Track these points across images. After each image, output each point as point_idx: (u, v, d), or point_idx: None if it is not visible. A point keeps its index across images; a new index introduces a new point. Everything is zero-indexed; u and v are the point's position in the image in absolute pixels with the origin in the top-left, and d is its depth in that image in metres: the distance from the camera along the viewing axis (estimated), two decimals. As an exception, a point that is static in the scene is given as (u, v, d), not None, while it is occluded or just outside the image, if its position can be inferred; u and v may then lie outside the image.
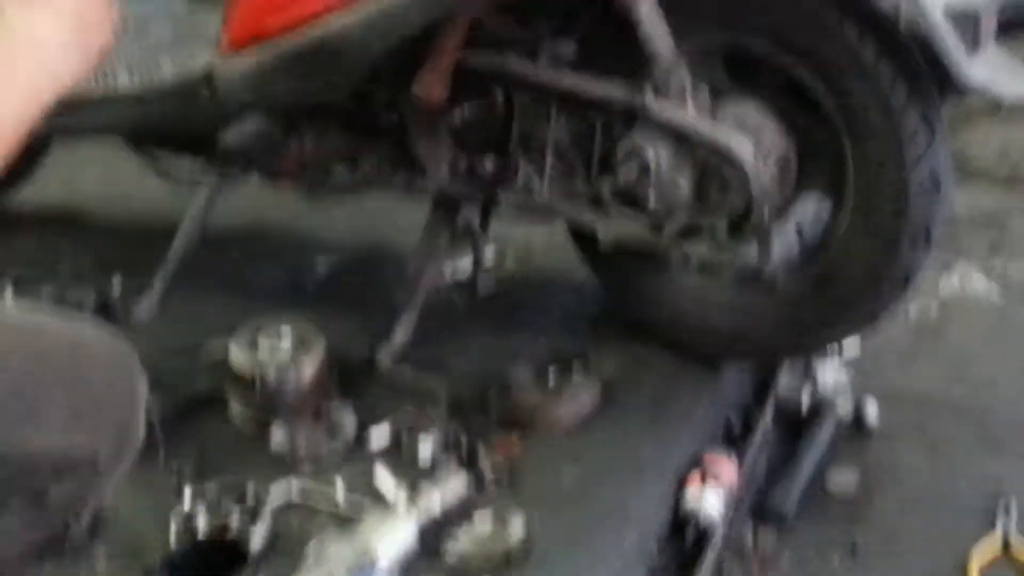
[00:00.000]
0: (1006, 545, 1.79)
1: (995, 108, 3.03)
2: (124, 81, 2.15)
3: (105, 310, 2.15)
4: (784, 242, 1.90)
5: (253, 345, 1.91)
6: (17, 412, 1.41)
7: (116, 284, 2.32)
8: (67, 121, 2.16)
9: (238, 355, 1.90)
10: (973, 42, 1.65)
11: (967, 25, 1.65)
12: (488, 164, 1.99)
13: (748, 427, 2.04)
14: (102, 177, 2.92)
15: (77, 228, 2.72)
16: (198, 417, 1.93)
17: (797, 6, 1.73)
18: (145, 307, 2.12)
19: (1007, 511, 1.83)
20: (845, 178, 1.80)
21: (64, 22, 1.26)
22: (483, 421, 1.88)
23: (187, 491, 1.75)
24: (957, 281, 2.42)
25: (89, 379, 1.50)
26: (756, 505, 1.92)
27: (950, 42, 1.63)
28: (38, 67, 1.25)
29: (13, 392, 1.41)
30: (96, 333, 1.55)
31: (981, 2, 1.68)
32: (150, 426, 1.67)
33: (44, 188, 2.79)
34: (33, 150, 2.65)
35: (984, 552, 1.77)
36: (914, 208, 1.75)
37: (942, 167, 1.76)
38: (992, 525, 1.81)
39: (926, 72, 1.70)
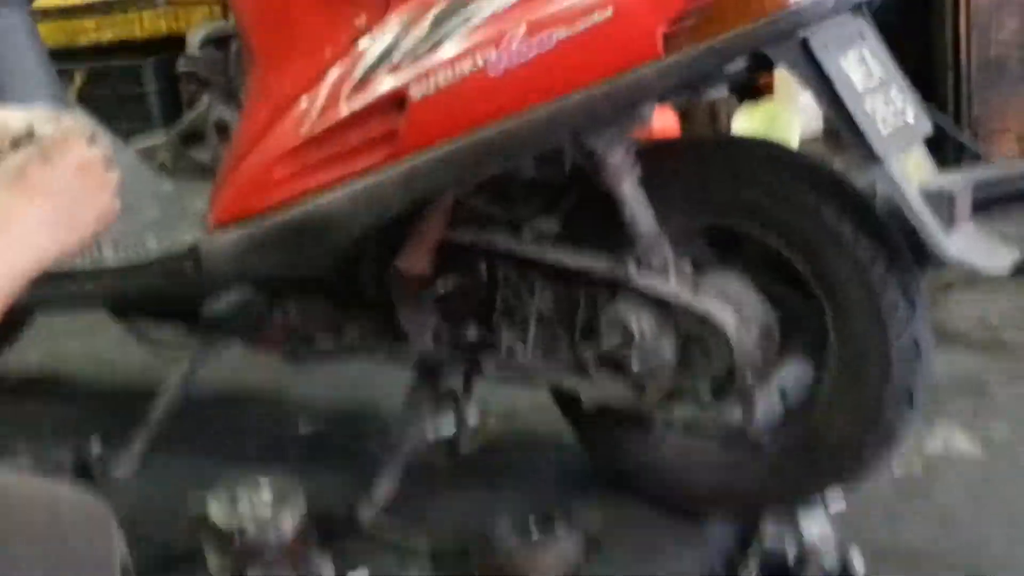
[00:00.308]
0: None
1: (973, 279, 3.08)
2: (110, 256, 2.16)
3: (83, 470, 2.13)
4: (767, 404, 1.89)
5: (233, 500, 1.88)
6: None
7: (95, 445, 2.29)
8: (51, 292, 2.18)
9: (217, 509, 1.87)
10: (949, 219, 1.68)
11: (943, 203, 1.67)
12: (471, 333, 1.99)
13: (734, 579, 2.02)
14: (84, 344, 2.93)
15: (58, 394, 2.72)
16: (177, 573, 1.91)
17: (775, 188, 1.76)
18: (125, 466, 2.11)
19: None
20: (827, 345, 1.80)
21: (40, 196, 1.29)
22: None
23: None
24: (941, 443, 2.43)
25: (66, 540, 1.47)
26: None
27: (926, 219, 1.66)
28: (19, 244, 1.28)
29: None
30: (73, 494, 1.53)
31: (956, 182, 1.71)
32: None
33: (26, 355, 2.80)
34: (15, 318, 2.64)
35: None
36: (897, 374, 1.76)
37: (923, 335, 1.78)
38: None
39: (904, 247, 1.73)
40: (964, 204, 1.70)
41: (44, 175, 1.32)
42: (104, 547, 1.53)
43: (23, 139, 1.44)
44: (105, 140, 1.48)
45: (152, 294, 2.13)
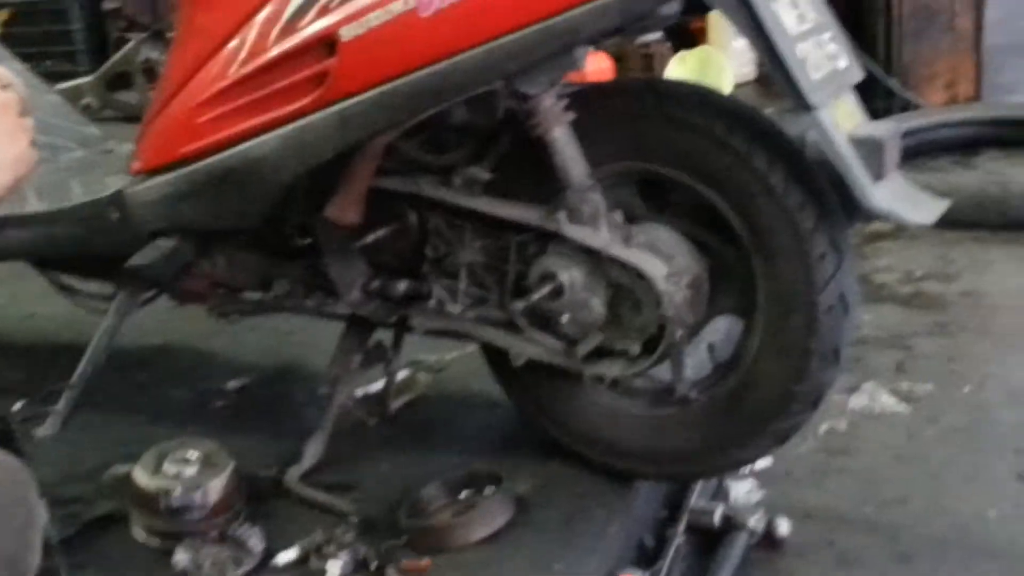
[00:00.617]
0: None
1: (899, 231, 3.12)
2: (32, 202, 2.13)
3: (5, 435, 2.08)
4: (696, 361, 1.92)
5: (158, 461, 1.88)
6: None
7: (18, 407, 2.28)
8: (-32, 241, 2.14)
9: (142, 476, 1.86)
10: (878, 169, 1.68)
11: (872, 152, 1.68)
12: (401, 286, 1.98)
13: (662, 543, 2.02)
14: (5, 296, 2.90)
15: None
16: (100, 539, 1.88)
17: (707, 135, 1.76)
18: (48, 426, 2.06)
19: None
20: (756, 299, 1.81)
21: None
22: (394, 541, 1.83)
23: None
24: (866, 399, 2.47)
25: None
26: None
27: (856, 169, 1.66)
28: None
29: None
30: None
31: (885, 131, 1.72)
32: (49, 548, 1.63)
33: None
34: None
35: None
36: (823, 329, 1.76)
37: (850, 289, 1.78)
38: None
39: (833, 197, 1.74)
40: (893, 153, 1.71)
41: None
42: (25, 513, 1.49)
43: None
44: (20, 84, 1.44)
45: (77, 244, 2.10)
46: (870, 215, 1.71)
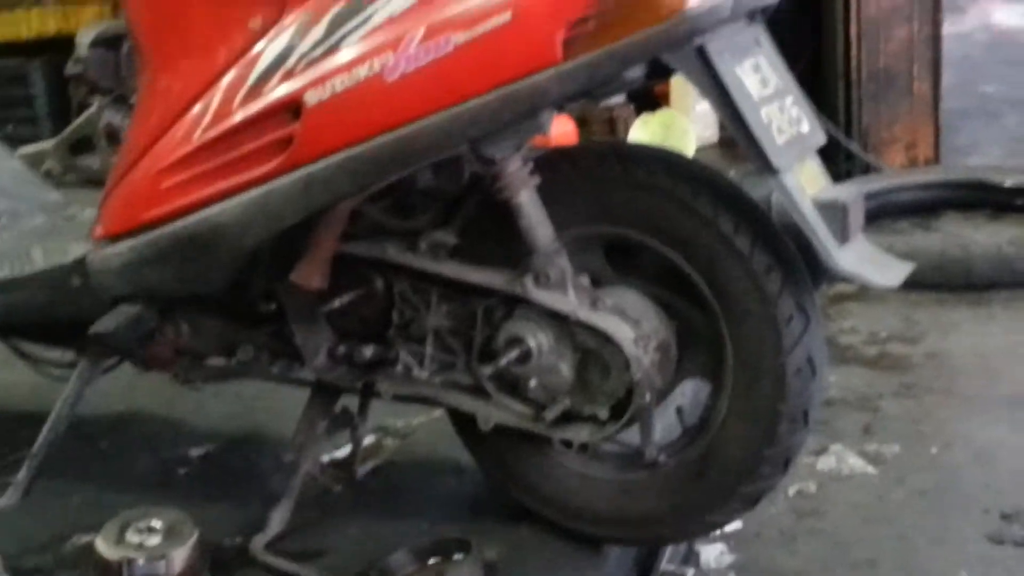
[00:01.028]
0: None
1: (863, 293, 3.14)
2: (-7, 270, 2.12)
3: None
4: (665, 424, 1.92)
5: (121, 531, 1.83)
6: None
7: None
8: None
9: (104, 546, 1.81)
10: (843, 232, 1.69)
11: (837, 216, 1.68)
12: (367, 351, 1.96)
13: (633, 609, 2.01)
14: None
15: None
16: None
17: (673, 199, 1.76)
18: (9, 496, 2.03)
19: None
20: (724, 362, 1.80)
21: None
22: None
23: None
24: (834, 461, 2.47)
25: None
26: None
27: (821, 232, 1.67)
28: None
29: None
30: None
31: (848, 194, 1.72)
32: None
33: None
34: None
35: None
36: (792, 391, 1.76)
37: (817, 351, 1.78)
38: None
39: (799, 260, 1.74)
40: (857, 216, 1.71)
41: None
42: None
43: None
44: None
45: (37, 310, 2.09)
46: (836, 278, 1.71)
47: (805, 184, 1.70)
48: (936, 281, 3.13)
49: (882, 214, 3.51)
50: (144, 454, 2.40)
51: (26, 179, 2.46)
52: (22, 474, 2.03)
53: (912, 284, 1.88)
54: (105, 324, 1.94)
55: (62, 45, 4.32)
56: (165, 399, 2.56)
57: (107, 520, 1.85)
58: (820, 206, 1.68)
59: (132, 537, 1.82)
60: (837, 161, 3.67)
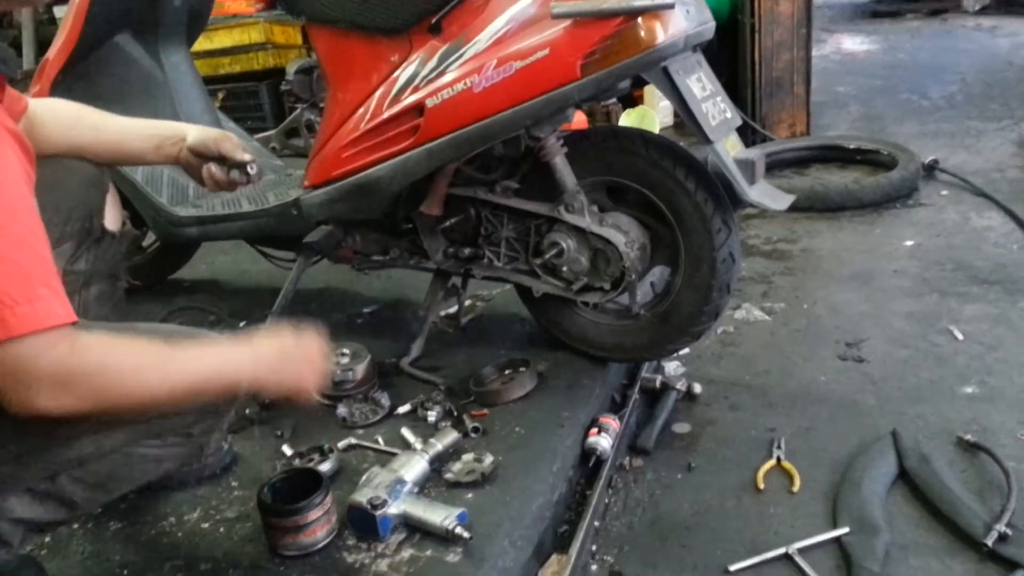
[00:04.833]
0: (778, 462, 1.80)
1: (763, 214, 3.10)
2: (245, 206, 2.15)
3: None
4: (644, 292, 1.91)
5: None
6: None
7: (242, 325, 2.26)
8: (210, 230, 2.16)
9: None
10: (751, 177, 1.68)
11: (748, 167, 1.68)
12: (466, 251, 1.97)
13: (625, 399, 2.04)
14: (231, 260, 2.90)
15: (216, 292, 2.68)
16: (289, 405, 1.85)
17: (647, 158, 1.75)
18: None
19: (779, 445, 1.84)
20: (679, 256, 1.80)
21: (274, 354, 1.13)
22: (467, 400, 1.85)
23: (286, 445, 1.73)
24: (744, 313, 2.45)
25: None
26: (631, 443, 1.91)
27: (739, 177, 1.67)
28: (237, 359, 1.11)
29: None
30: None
31: (755, 154, 1.71)
32: (261, 406, 1.67)
33: (195, 266, 2.76)
34: (190, 245, 2.63)
35: (765, 468, 1.79)
36: (720, 273, 1.76)
37: (736, 248, 1.78)
38: (770, 454, 1.82)
39: (724, 194, 1.73)
40: (760, 167, 1.71)
41: (283, 338, 1.17)
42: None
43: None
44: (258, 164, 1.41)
45: (272, 229, 2.11)
46: (747, 205, 1.71)
47: (729, 149, 1.69)
48: (807, 206, 3.06)
49: (775, 166, 3.46)
50: (336, 312, 2.40)
51: (262, 152, 2.45)
52: (268, 323, 2.01)
53: (793, 208, 1.86)
54: (312, 236, 1.98)
55: (278, 73, 4.33)
56: (347, 280, 2.55)
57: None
58: (738, 162, 1.67)
59: (332, 358, 1.87)
60: (747, 135, 3.60)
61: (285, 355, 1.16)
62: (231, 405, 1.27)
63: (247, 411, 1.86)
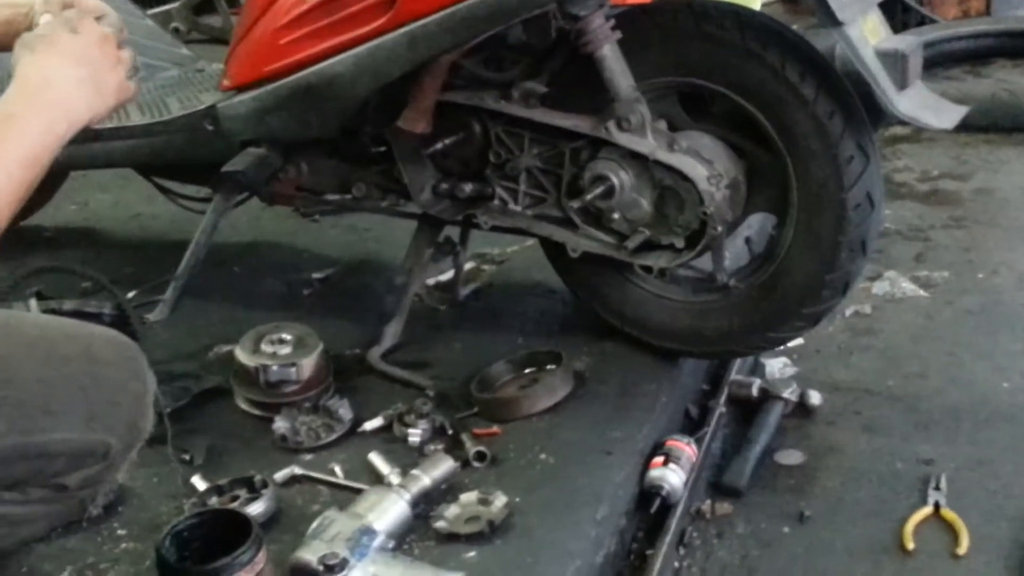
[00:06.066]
0: (936, 511, 1.80)
1: (917, 135, 3.08)
2: (135, 118, 2.16)
3: (121, 319, 2.14)
4: (735, 253, 1.93)
5: (257, 346, 1.91)
6: (35, 410, 1.42)
7: (130, 296, 2.29)
8: (84, 152, 2.18)
9: (243, 354, 1.90)
10: (902, 79, 1.68)
11: (896, 64, 1.68)
12: (468, 188, 1.98)
13: (705, 413, 2.05)
14: (115, 199, 2.92)
15: (92, 246, 2.70)
16: (208, 409, 1.92)
17: (743, 50, 1.75)
18: (158, 316, 2.09)
19: (937, 486, 1.85)
20: (789, 198, 1.81)
21: (72, 63, 1.31)
22: (467, 411, 1.86)
23: (197, 475, 1.74)
24: (888, 286, 2.45)
25: (103, 380, 1.51)
26: (714, 480, 1.92)
27: (882, 79, 1.66)
28: (52, 105, 1.28)
29: (33, 393, 1.42)
30: (110, 339, 1.57)
31: (907, 44, 1.70)
32: (160, 417, 1.67)
33: (62, 208, 2.79)
34: (52, 177, 2.65)
35: (916, 519, 1.79)
36: (852, 224, 1.77)
37: (875, 188, 1.78)
38: (923, 498, 1.83)
39: (860, 105, 1.72)
40: (915, 64, 1.70)
41: (74, 43, 1.32)
42: (138, 387, 1.56)
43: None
44: (115, 15, 1.47)
45: (175, 151, 2.13)
46: (894, 121, 1.71)
47: (867, 35, 1.68)
48: (985, 123, 3.05)
49: (937, 62, 3.41)
50: (272, 277, 2.43)
51: (158, 36, 2.46)
52: (168, 293, 2.07)
53: (963, 126, 1.85)
54: (235, 164, 1.98)
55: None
56: (288, 230, 2.58)
57: (243, 333, 1.93)
58: (881, 55, 1.66)
59: (266, 347, 1.90)
60: (895, 14, 3.55)
61: (90, 64, 1.33)
62: (125, 451, 1.38)
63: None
